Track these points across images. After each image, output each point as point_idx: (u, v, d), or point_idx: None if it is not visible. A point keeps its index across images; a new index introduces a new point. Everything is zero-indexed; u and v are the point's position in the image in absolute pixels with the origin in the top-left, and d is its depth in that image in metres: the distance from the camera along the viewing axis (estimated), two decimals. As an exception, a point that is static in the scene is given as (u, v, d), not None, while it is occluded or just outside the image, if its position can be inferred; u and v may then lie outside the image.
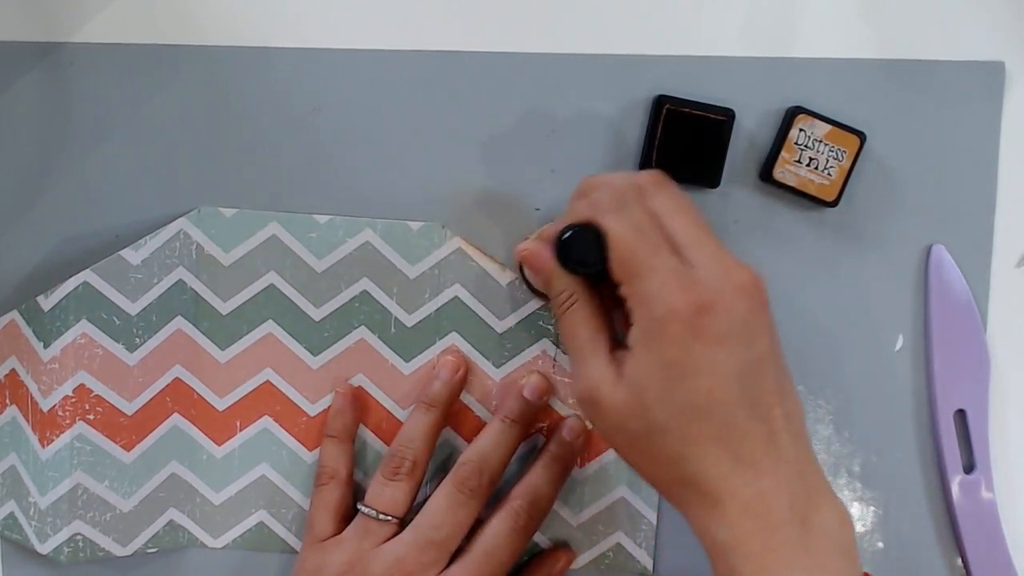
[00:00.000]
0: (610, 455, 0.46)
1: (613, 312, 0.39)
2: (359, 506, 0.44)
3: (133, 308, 0.45)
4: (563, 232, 0.38)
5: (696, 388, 0.35)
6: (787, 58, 0.46)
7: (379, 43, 0.46)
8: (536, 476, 0.44)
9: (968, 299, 0.47)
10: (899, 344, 0.47)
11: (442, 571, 0.42)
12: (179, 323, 0.46)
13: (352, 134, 0.46)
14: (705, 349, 0.35)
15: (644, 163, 0.46)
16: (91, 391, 0.45)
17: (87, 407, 0.45)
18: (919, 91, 0.46)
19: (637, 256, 0.36)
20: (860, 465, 0.47)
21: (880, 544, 0.48)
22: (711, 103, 0.45)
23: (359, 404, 0.46)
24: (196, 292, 0.46)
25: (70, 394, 0.44)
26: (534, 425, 0.46)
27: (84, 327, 0.44)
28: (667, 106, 0.44)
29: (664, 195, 0.38)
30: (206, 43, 0.46)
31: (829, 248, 0.47)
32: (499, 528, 0.43)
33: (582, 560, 0.47)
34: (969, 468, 0.47)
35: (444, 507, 0.42)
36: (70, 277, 0.45)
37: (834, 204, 0.46)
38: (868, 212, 0.47)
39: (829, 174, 0.45)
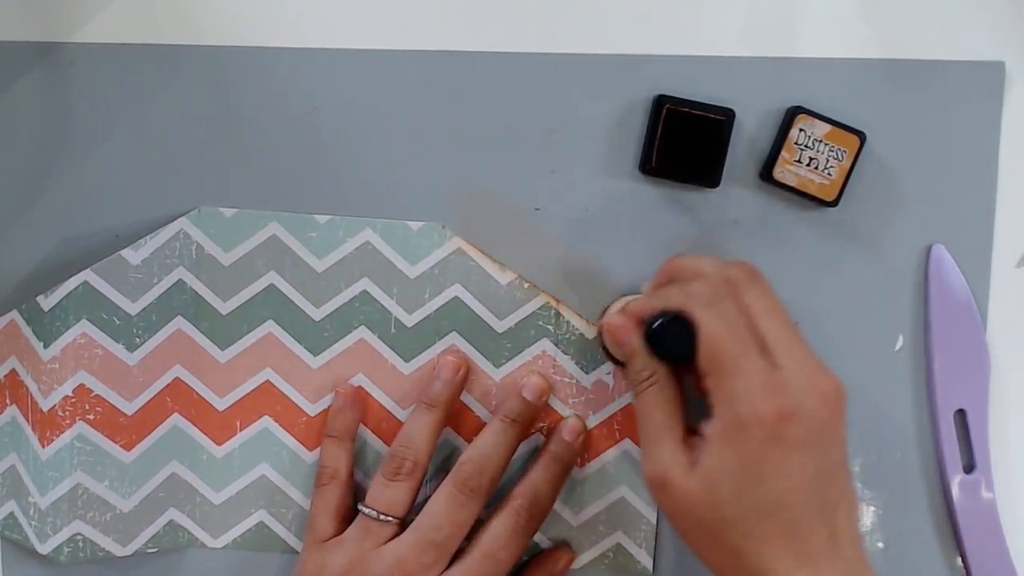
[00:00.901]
0: (610, 455, 0.47)
1: (690, 396, 0.39)
2: (360, 507, 0.44)
3: (133, 308, 0.45)
4: (655, 319, 0.38)
5: (770, 489, 0.36)
6: (787, 58, 0.46)
7: (379, 43, 0.46)
8: (536, 476, 0.44)
9: (968, 299, 0.47)
10: (899, 344, 0.47)
11: (443, 572, 0.42)
12: (179, 323, 0.46)
13: (352, 134, 0.46)
14: (784, 454, 0.36)
15: (644, 163, 0.46)
16: (91, 391, 0.45)
17: (87, 407, 0.45)
18: (919, 91, 0.46)
19: (727, 354, 0.36)
20: (860, 465, 0.47)
21: (880, 544, 0.48)
22: (711, 103, 0.45)
23: (359, 403, 0.46)
24: (196, 292, 0.46)
25: (70, 394, 0.44)
26: (533, 425, 0.46)
27: (84, 327, 0.44)
28: (667, 106, 0.44)
29: (757, 291, 0.38)
30: (206, 43, 0.46)
31: (829, 248, 0.47)
32: (499, 528, 0.43)
33: (582, 560, 0.47)
34: (969, 468, 0.47)
35: (445, 508, 0.42)
36: (70, 277, 0.45)
37: (834, 204, 0.46)
38: (868, 212, 0.47)
39: (829, 174, 0.45)
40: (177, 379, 0.46)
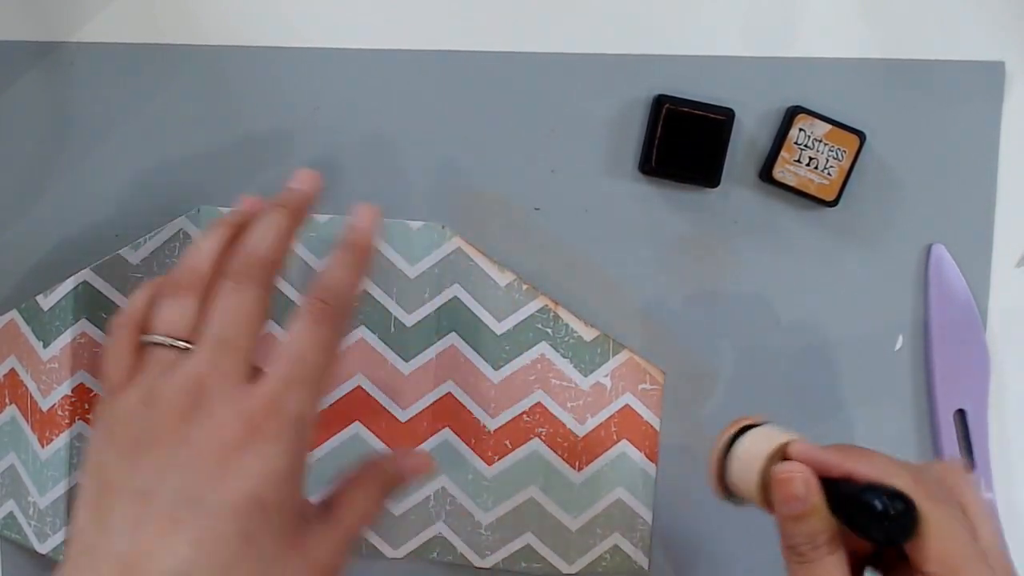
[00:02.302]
0: (606, 458, 0.46)
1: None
2: (142, 338, 0.35)
3: None
4: (875, 495, 0.33)
5: None
6: (787, 58, 0.46)
7: (379, 43, 0.46)
8: (329, 265, 0.37)
9: (968, 299, 0.47)
10: (899, 344, 0.47)
11: (251, 383, 0.34)
12: None
13: (352, 134, 0.46)
14: None
15: (644, 163, 0.46)
16: (91, 391, 0.45)
17: (87, 406, 0.45)
18: (919, 91, 0.46)
19: (967, 556, 0.34)
20: (860, 465, 0.47)
21: (880, 544, 0.47)
22: (711, 103, 0.45)
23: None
24: None
25: (69, 393, 0.44)
26: (303, 202, 0.39)
27: (84, 327, 0.44)
28: (667, 106, 0.44)
29: (979, 498, 0.36)
30: (206, 43, 0.46)
31: (829, 248, 0.47)
32: (294, 324, 0.35)
33: (581, 563, 0.47)
34: (969, 468, 0.47)
35: (220, 302, 0.35)
36: (70, 277, 0.45)
37: (834, 204, 0.46)
38: (868, 212, 0.47)
39: (829, 174, 0.45)
40: None
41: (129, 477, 0.33)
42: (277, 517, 0.33)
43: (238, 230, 0.38)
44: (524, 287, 0.46)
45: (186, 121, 0.46)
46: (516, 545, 0.47)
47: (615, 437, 0.46)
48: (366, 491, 0.37)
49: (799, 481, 0.34)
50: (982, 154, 0.47)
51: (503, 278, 0.46)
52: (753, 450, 0.35)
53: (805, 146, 0.45)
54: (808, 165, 0.45)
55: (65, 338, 0.44)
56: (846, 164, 0.45)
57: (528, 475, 0.46)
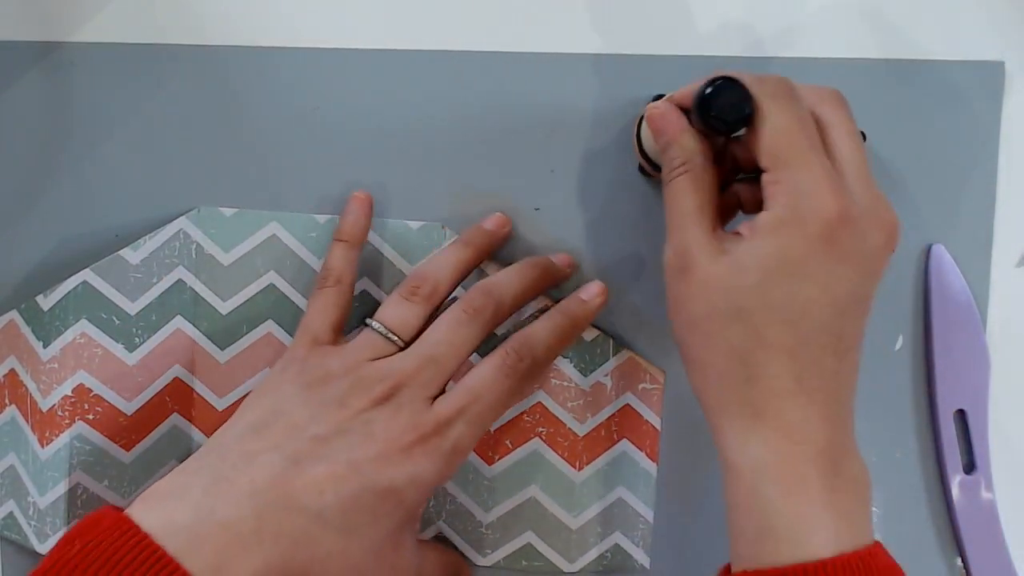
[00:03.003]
0: (607, 457, 0.47)
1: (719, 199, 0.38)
2: (367, 320, 0.41)
3: (132, 308, 0.45)
4: (710, 83, 0.36)
5: (799, 292, 0.34)
6: (787, 58, 0.46)
7: (379, 43, 0.46)
8: (538, 324, 0.42)
9: (968, 299, 0.47)
10: (899, 344, 0.47)
11: (434, 398, 0.40)
12: (179, 323, 0.46)
13: (352, 134, 0.46)
14: (827, 260, 0.34)
15: (645, 164, 0.46)
16: (90, 391, 0.45)
17: (86, 407, 0.45)
18: (919, 91, 0.46)
19: (795, 144, 0.35)
20: (860, 465, 0.47)
21: (880, 544, 0.47)
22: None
23: (370, 211, 0.45)
24: (196, 292, 0.46)
25: (69, 394, 0.44)
26: (553, 269, 0.45)
27: (84, 327, 0.44)
28: (667, 105, 0.45)
29: (841, 113, 0.37)
30: (206, 43, 0.46)
31: (829, 248, 0.47)
32: (485, 365, 0.41)
33: (582, 562, 0.47)
34: (969, 468, 0.47)
35: (446, 326, 0.41)
36: (70, 277, 0.45)
37: (834, 204, 0.46)
38: (868, 212, 0.47)
39: (829, 174, 0.45)
40: (177, 379, 0.46)
41: (310, 419, 0.38)
42: (402, 515, 0.39)
43: (480, 255, 0.44)
44: None
45: (186, 121, 0.46)
46: (517, 544, 0.47)
47: (615, 436, 0.46)
48: (444, 558, 0.45)
49: (657, 114, 0.38)
50: (982, 154, 0.47)
51: None
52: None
53: (805, 146, 0.45)
54: (808, 165, 0.45)
55: (65, 338, 0.44)
56: (846, 164, 0.45)
57: (528, 474, 0.46)
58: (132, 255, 0.45)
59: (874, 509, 0.47)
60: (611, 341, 0.46)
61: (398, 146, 0.46)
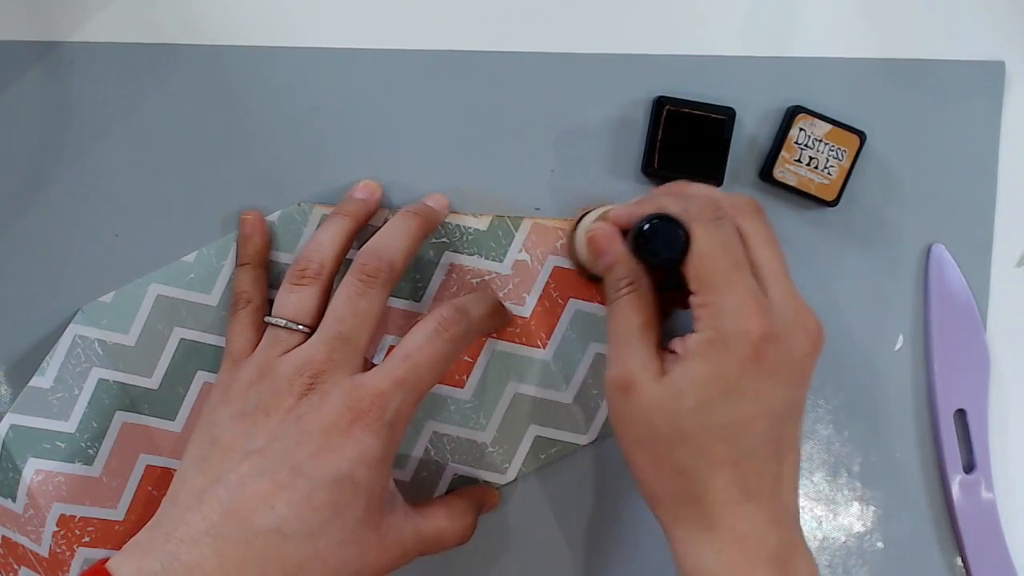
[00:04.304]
0: (563, 324, 0.46)
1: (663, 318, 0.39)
2: (266, 319, 0.41)
3: (69, 426, 0.45)
4: (646, 221, 0.37)
5: (736, 410, 0.36)
6: (787, 58, 0.46)
7: (379, 43, 0.46)
8: (466, 297, 0.43)
9: (968, 299, 0.47)
10: (899, 344, 0.47)
11: (360, 372, 0.39)
12: (121, 417, 0.45)
13: (352, 134, 0.46)
14: (758, 377, 0.36)
15: (646, 163, 0.46)
16: (74, 517, 0.44)
17: (78, 533, 0.44)
18: (919, 91, 0.46)
19: (720, 268, 0.36)
20: (860, 465, 0.47)
21: (880, 544, 0.48)
22: (711, 103, 0.45)
23: (265, 229, 0.45)
24: (120, 382, 0.45)
25: (56, 529, 0.44)
26: (434, 217, 0.44)
27: (35, 465, 0.44)
28: (667, 107, 0.44)
29: (758, 223, 0.38)
30: (206, 43, 0.46)
31: (829, 248, 0.47)
32: (418, 330, 0.40)
33: (594, 427, 0.46)
34: (969, 468, 0.47)
35: (345, 298, 0.40)
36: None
37: (834, 204, 0.46)
38: (868, 212, 0.47)
39: (829, 173, 0.45)
40: (148, 466, 0.45)
41: (241, 438, 0.38)
42: (365, 497, 0.38)
43: (357, 223, 0.43)
44: None
45: (186, 121, 0.46)
46: (526, 444, 0.46)
47: (560, 301, 0.46)
48: (452, 511, 0.43)
49: (600, 236, 0.39)
50: (982, 154, 0.47)
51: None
52: (586, 224, 0.42)
53: (805, 146, 0.45)
54: (808, 165, 0.45)
55: (25, 483, 0.44)
56: (846, 164, 0.45)
57: (502, 376, 0.46)
58: (42, 380, 0.45)
59: (874, 509, 0.47)
60: (507, 219, 0.46)
61: (398, 146, 0.46)
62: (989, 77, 0.46)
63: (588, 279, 0.45)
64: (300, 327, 0.40)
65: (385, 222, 0.43)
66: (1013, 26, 0.47)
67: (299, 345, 0.40)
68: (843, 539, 0.47)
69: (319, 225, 0.45)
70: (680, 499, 0.37)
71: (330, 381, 0.38)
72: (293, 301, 0.40)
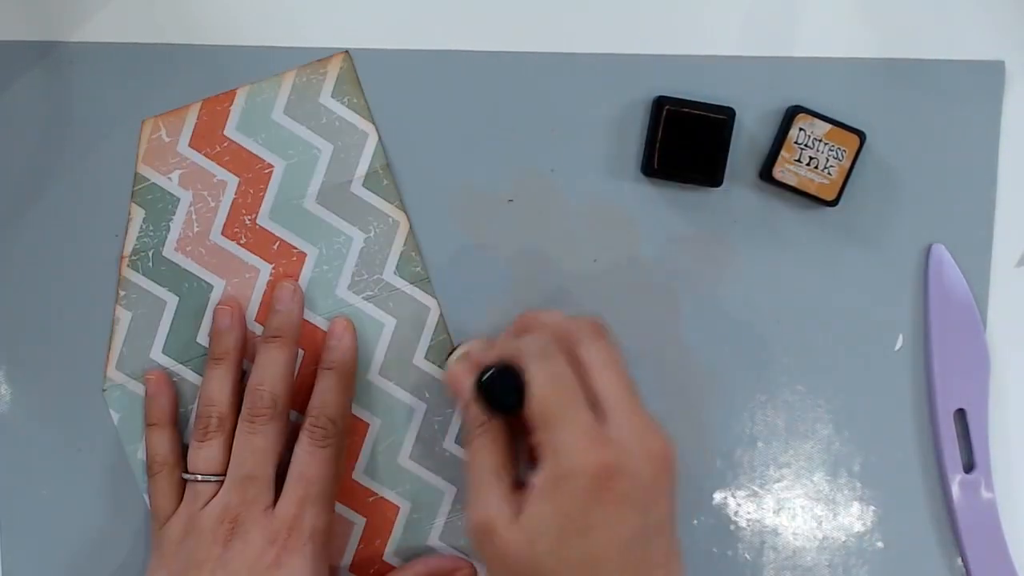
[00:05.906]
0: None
1: (521, 450, 0.39)
2: (183, 476, 0.44)
3: None
4: (486, 371, 0.38)
5: (588, 544, 0.36)
6: (787, 58, 0.46)
7: (378, 43, 0.46)
8: (319, 389, 0.45)
9: (968, 299, 0.47)
10: (899, 344, 0.47)
11: (272, 505, 0.42)
12: None
13: (352, 134, 0.46)
14: (604, 509, 0.36)
15: (646, 163, 0.46)
16: None
17: None
18: (919, 91, 0.46)
19: (552, 407, 0.37)
20: (860, 465, 0.47)
21: (880, 544, 0.48)
22: (711, 103, 0.45)
23: (170, 387, 0.46)
24: None
25: None
26: (299, 334, 0.46)
27: None
28: (667, 107, 0.44)
29: (596, 347, 0.38)
30: (206, 43, 0.46)
31: (829, 248, 0.47)
32: (299, 450, 0.43)
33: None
34: (969, 468, 0.47)
35: (241, 443, 0.43)
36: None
37: (834, 204, 0.46)
38: (868, 212, 0.47)
39: (829, 173, 0.45)
40: None
41: None
42: None
43: (235, 362, 0.45)
44: None
45: (186, 121, 0.46)
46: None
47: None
48: None
49: (452, 379, 0.42)
50: (982, 154, 0.47)
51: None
52: (451, 362, 0.44)
53: (805, 146, 0.45)
54: (808, 165, 0.45)
55: None
56: (846, 164, 0.45)
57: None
58: None
59: (873, 509, 0.47)
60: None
61: (398, 146, 0.46)
62: (989, 77, 0.47)
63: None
64: (214, 478, 0.43)
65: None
66: (1013, 26, 0.47)
67: (216, 493, 0.43)
68: (843, 539, 0.48)
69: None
70: None
71: (248, 520, 0.41)
72: (203, 456, 0.43)
